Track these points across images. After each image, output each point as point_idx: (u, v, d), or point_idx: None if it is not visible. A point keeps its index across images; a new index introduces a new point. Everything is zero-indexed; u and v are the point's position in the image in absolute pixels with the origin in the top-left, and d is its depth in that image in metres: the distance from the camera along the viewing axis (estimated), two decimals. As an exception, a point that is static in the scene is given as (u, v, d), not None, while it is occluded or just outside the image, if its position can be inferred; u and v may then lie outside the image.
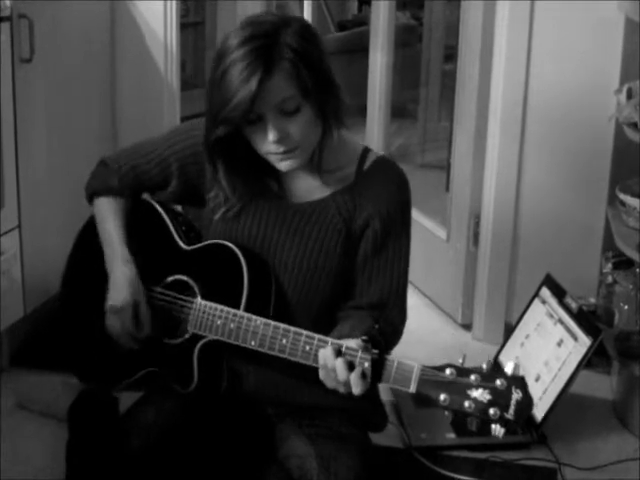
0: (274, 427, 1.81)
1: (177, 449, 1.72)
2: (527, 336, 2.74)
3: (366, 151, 1.80)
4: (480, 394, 1.47)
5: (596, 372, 2.83)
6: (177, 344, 1.75)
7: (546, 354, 2.60)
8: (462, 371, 1.49)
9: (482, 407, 1.47)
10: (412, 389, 1.52)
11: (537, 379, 2.57)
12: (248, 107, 1.58)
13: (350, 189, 1.76)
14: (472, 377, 1.48)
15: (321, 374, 1.59)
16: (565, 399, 2.49)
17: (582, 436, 2.55)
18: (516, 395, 1.46)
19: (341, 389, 1.57)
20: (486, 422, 1.48)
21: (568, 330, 2.56)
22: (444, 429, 2.50)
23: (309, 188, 1.77)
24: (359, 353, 1.54)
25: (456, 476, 2.33)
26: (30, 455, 2.34)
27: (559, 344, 2.58)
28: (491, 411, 1.46)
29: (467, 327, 3.21)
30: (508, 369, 1.48)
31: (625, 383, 2.66)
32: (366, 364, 1.53)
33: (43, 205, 2.74)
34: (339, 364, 1.54)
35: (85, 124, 3.03)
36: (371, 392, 1.88)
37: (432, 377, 1.50)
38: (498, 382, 1.47)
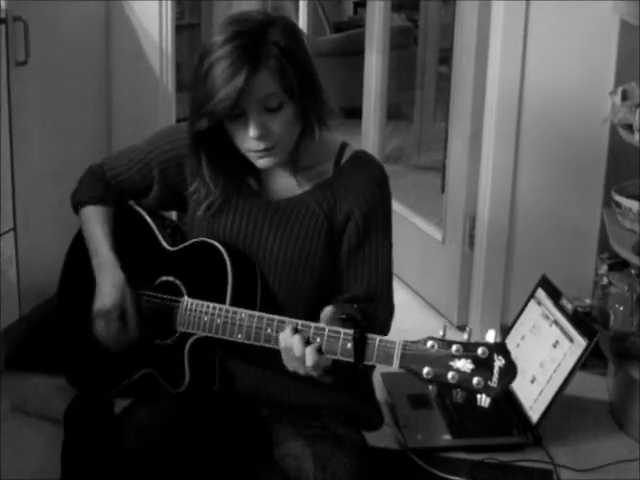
0: (270, 428, 1.81)
1: (172, 449, 1.72)
2: (523, 337, 2.74)
3: (343, 146, 1.81)
4: (463, 364, 1.46)
5: (592, 373, 2.83)
6: (168, 345, 1.76)
7: (542, 355, 2.60)
8: (443, 343, 1.49)
9: (465, 377, 1.46)
10: (395, 365, 1.52)
11: (533, 380, 2.57)
12: (233, 102, 1.59)
13: (329, 183, 1.77)
14: (454, 348, 1.47)
15: (283, 356, 1.62)
16: (561, 400, 2.49)
17: (578, 437, 2.55)
18: (499, 362, 1.45)
19: (301, 370, 1.60)
20: (471, 392, 1.47)
21: (564, 331, 2.56)
22: (440, 430, 2.50)
23: (288, 185, 1.78)
24: (327, 330, 1.57)
25: (452, 478, 2.33)
26: (26, 457, 2.34)
27: (555, 345, 2.58)
28: (475, 380, 1.46)
29: (463, 329, 3.20)
30: (489, 337, 1.47)
31: (621, 384, 2.66)
32: (349, 345, 1.54)
33: (38, 207, 2.74)
34: (295, 340, 1.57)
35: (80, 126, 3.03)
36: (367, 388, 1.90)
37: (414, 351, 1.50)
38: (480, 351, 1.46)
